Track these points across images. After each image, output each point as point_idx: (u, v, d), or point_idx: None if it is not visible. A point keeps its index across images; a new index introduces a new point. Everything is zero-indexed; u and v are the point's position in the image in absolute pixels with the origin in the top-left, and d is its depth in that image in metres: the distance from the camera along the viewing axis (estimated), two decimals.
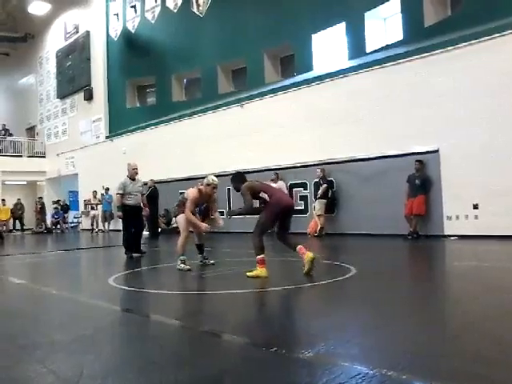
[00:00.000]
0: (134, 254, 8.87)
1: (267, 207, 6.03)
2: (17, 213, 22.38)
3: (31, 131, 26.39)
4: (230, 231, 12.70)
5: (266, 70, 16.19)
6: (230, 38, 16.63)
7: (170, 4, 18.24)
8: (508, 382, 2.41)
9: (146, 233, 13.52)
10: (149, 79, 19.95)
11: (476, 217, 9.83)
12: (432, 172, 10.53)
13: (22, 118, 26.51)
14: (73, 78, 22.51)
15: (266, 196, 6.05)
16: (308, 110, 12.98)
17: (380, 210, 11.02)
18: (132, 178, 9.02)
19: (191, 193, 6.86)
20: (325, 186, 11.95)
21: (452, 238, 9.93)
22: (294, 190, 13.28)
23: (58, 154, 23.46)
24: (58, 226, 21.72)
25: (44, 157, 24.79)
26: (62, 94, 23.45)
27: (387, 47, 12.67)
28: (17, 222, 22.56)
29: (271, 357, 2.84)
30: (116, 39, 20.52)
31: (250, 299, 4.96)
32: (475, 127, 9.78)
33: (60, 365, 2.91)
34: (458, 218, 10.12)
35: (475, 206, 9.83)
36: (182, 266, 6.71)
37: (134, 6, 19.68)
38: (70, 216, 23.13)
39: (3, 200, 21.55)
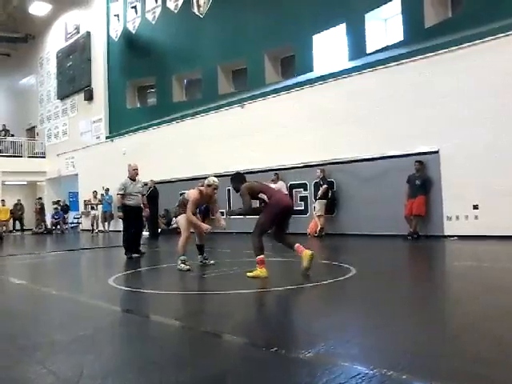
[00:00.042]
0: (134, 255, 8.87)
1: (267, 208, 6.05)
2: (17, 213, 22.37)
3: (31, 132, 26.40)
4: (229, 231, 12.69)
5: (266, 71, 16.18)
6: (230, 38, 16.63)
7: (170, 5, 18.25)
8: (508, 382, 2.41)
9: (145, 233, 13.53)
10: (149, 80, 19.96)
11: (476, 217, 9.83)
12: (432, 172, 10.53)
13: (23, 119, 26.51)
14: (73, 79, 22.51)
15: (265, 197, 6.07)
16: (310, 110, 12.98)
17: (380, 211, 11.02)
18: (132, 178, 9.03)
19: (192, 194, 6.86)
20: (325, 186, 11.95)
21: (452, 238, 9.93)
22: (294, 190, 13.29)
23: (58, 155, 23.47)
24: (58, 227, 21.70)
25: (44, 157, 24.80)
26: (63, 95, 23.46)
27: (388, 48, 12.66)
28: (17, 222, 22.55)
29: (271, 357, 2.84)
30: (116, 40, 20.52)
31: (250, 299, 4.96)
32: (479, 127, 9.76)
33: (60, 365, 2.91)
34: (458, 218, 10.11)
35: (475, 207, 9.83)
36: (182, 265, 6.73)
37: (134, 7, 19.68)
38: (70, 216, 23.13)
39: (3, 200, 21.54)
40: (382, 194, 11.06)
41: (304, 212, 12.98)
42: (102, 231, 19.39)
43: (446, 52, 10.40)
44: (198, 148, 15.95)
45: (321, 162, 12.47)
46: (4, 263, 9.40)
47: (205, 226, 6.90)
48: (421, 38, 11.53)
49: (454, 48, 10.27)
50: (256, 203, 6.38)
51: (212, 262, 7.22)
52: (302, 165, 13.15)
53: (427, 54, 10.71)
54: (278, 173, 13.27)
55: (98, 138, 21.18)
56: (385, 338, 3.21)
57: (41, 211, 23.11)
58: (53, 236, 19.72)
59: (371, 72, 11.78)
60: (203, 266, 7.06)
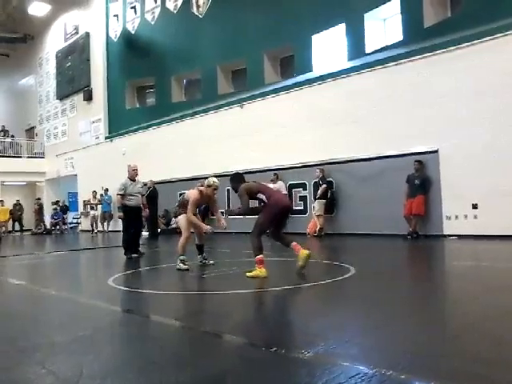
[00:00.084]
0: (133, 255, 8.87)
1: (265, 208, 6.08)
2: (16, 214, 22.36)
3: (30, 132, 26.39)
4: (229, 231, 12.68)
5: (265, 71, 16.18)
6: (229, 38, 16.62)
7: (169, 5, 18.24)
8: (508, 382, 2.40)
9: (145, 233, 13.53)
10: (148, 80, 19.95)
11: (475, 216, 9.83)
12: (431, 172, 10.53)
13: (22, 119, 26.50)
14: (72, 79, 22.50)
15: (263, 197, 6.09)
16: (310, 110, 12.99)
17: (379, 210, 11.03)
18: (132, 179, 9.04)
19: (192, 194, 6.87)
20: (324, 186, 11.95)
21: (451, 237, 9.93)
22: (293, 190, 13.29)
23: (57, 155, 23.46)
24: (58, 227, 21.69)
25: (43, 158, 24.79)
26: (62, 95, 23.45)
27: (387, 48, 12.67)
28: (16, 223, 22.54)
29: (271, 357, 2.84)
30: (116, 40, 20.51)
31: (249, 299, 4.96)
32: (477, 127, 9.77)
33: (60, 365, 2.91)
34: (457, 217, 10.12)
35: (474, 206, 9.83)
36: (181, 265, 6.75)
37: (133, 7, 19.68)
38: (70, 217, 23.12)
39: (1, 201, 21.52)
40: (381, 193, 11.07)
41: (303, 212, 12.99)
42: (101, 231, 19.39)
43: (444, 52, 10.42)
44: (197, 148, 15.96)
45: (320, 162, 12.47)
46: (3, 264, 9.38)
47: (206, 227, 6.91)
48: (420, 37, 11.54)
49: (452, 48, 10.29)
50: (255, 203, 6.41)
51: (211, 261, 7.22)
52: (300, 165, 13.15)
53: (425, 54, 10.73)
54: (277, 173, 13.27)
55: (97, 138, 21.18)
56: (384, 338, 3.20)
57: (39, 212, 23.11)
58: (52, 236, 19.71)
59: (370, 72, 11.80)
60: (203, 266, 7.07)
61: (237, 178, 6.40)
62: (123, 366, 2.88)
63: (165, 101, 19.04)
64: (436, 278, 5.92)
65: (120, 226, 9.60)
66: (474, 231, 9.68)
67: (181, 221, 7.05)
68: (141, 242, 9.69)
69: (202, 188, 7.00)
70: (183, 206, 6.99)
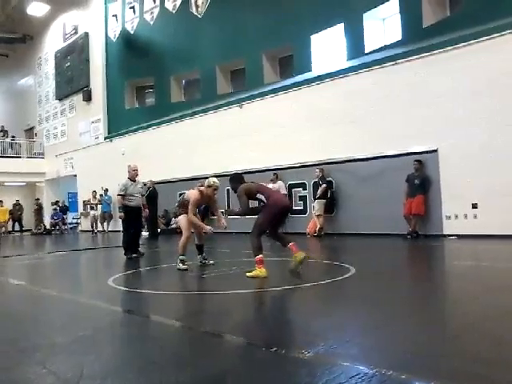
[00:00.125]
0: (133, 255, 8.88)
1: (265, 208, 6.10)
2: (16, 214, 22.37)
3: (30, 132, 26.37)
4: (229, 231, 12.68)
5: (264, 71, 16.18)
6: (228, 38, 16.61)
7: (168, 5, 18.23)
8: (508, 382, 2.41)
9: (145, 233, 13.53)
10: (148, 80, 19.93)
11: (475, 216, 9.84)
12: (431, 172, 10.54)
13: (21, 119, 26.48)
14: (71, 79, 22.48)
15: (262, 197, 6.12)
16: (308, 110, 13.00)
17: (379, 210, 11.04)
18: (132, 179, 9.04)
19: (192, 195, 6.88)
20: (324, 186, 11.95)
21: (451, 237, 9.94)
22: (293, 190, 13.29)
23: (56, 155, 23.44)
24: (57, 227, 21.69)
25: (43, 158, 24.77)
26: (61, 95, 23.43)
27: (386, 47, 12.67)
28: (16, 223, 22.54)
29: (271, 357, 2.85)
30: (115, 40, 20.50)
31: (249, 299, 4.97)
32: (474, 127, 9.79)
33: (60, 366, 2.91)
34: (457, 217, 10.13)
35: (474, 206, 9.84)
36: (181, 265, 6.78)
37: (132, 7, 19.66)
38: (69, 217, 23.11)
39: (1, 201, 21.52)
40: (381, 193, 11.07)
41: (303, 212, 12.99)
42: (101, 231, 19.42)
43: (441, 52, 10.44)
44: (196, 148, 15.96)
45: (318, 162, 12.47)
46: (3, 264, 9.38)
47: (207, 227, 6.93)
48: (419, 37, 11.54)
49: (449, 48, 10.31)
50: (255, 203, 6.43)
51: (211, 262, 7.23)
52: (299, 165, 13.16)
53: (423, 54, 10.75)
54: (276, 173, 13.27)
55: (96, 138, 21.17)
56: (385, 338, 3.21)
57: (39, 212, 23.11)
58: (52, 237, 19.70)
59: (367, 72, 11.82)
60: (203, 266, 7.07)
61: (236, 179, 6.42)
62: (123, 366, 2.89)
63: (164, 101, 19.03)
64: (436, 277, 5.92)
65: (120, 226, 9.61)
66: (473, 231, 9.68)
67: (181, 221, 7.06)
68: (141, 242, 9.70)
69: (202, 188, 7.02)
70: (183, 206, 7.01)
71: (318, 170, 12.14)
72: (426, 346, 2.98)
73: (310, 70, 14.46)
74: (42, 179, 24.61)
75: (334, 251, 9.61)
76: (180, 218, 7.10)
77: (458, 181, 10.02)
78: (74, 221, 23.19)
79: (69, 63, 22.73)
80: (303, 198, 13.12)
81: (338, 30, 14.13)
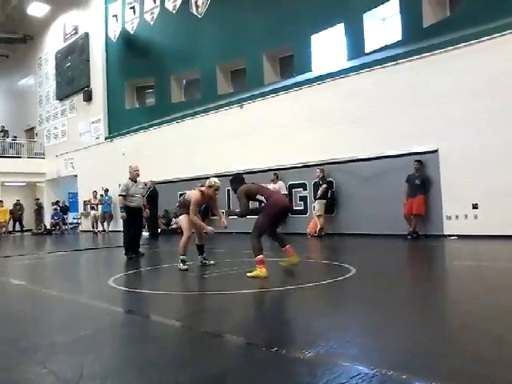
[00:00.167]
0: (134, 255, 8.88)
1: (265, 209, 6.16)
2: (16, 213, 22.40)
3: (30, 132, 26.39)
4: (229, 231, 12.69)
5: (265, 71, 16.18)
6: (228, 38, 16.62)
7: (168, 5, 18.23)
8: (508, 382, 2.41)
9: (145, 233, 13.53)
10: (148, 80, 19.94)
11: (475, 216, 9.83)
12: (431, 172, 10.54)
13: (21, 120, 26.49)
14: (72, 80, 22.50)
15: (262, 198, 6.16)
16: (309, 110, 13.00)
17: (379, 210, 11.03)
18: (134, 179, 9.04)
19: (194, 195, 6.89)
20: (324, 186, 11.95)
21: (451, 237, 9.94)
22: (293, 190, 13.29)
23: (57, 155, 23.46)
24: (58, 227, 21.69)
25: (43, 158, 24.78)
26: (62, 95, 23.44)
27: (386, 48, 12.67)
28: (17, 223, 22.56)
29: (271, 357, 2.85)
30: (115, 40, 20.50)
31: (250, 299, 4.97)
32: (475, 127, 9.79)
33: (60, 365, 2.91)
34: (457, 217, 10.12)
35: (475, 206, 9.83)
36: (181, 265, 6.79)
37: (133, 8, 19.66)
38: (70, 217, 23.12)
39: (1, 201, 21.54)
40: (381, 193, 11.07)
41: (303, 212, 12.99)
42: (101, 231, 19.45)
43: (442, 52, 10.44)
44: (197, 148, 15.97)
45: (319, 162, 12.48)
46: (4, 264, 9.39)
47: (208, 228, 6.95)
48: (419, 37, 11.54)
49: (450, 48, 10.31)
50: (255, 204, 6.47)
51: (212, 262, 7.23)
52: (300, 165, 13.16)
53: (424, 54, 10.75)
54: (277, 173, 13.27)
55: (97, 138, 21.17)
56: (385, 338, 3.21)
57: (38, 212, 23.12)
58: (52, 237, 19.71)
59: (368, 72, 11.82)
60: (203, 266, 7.07)
61: (237, 180, 6.49)
62: (123, 366, 2.89)
63: (164, 101, 19.04)
64: (436, 278, 5.92)
65: (120, 226, 9.61)
66: (474, 231, 9.68)
67: (182, 221, 7.07)
68: (141, 243, 9.70)
69: (203, 188, 7.03)
70: (184, 206, 7.03)
71: (318, 171, 12.14)
72: (427, 346, 2.98)
73: (310, 70, 14.46)
74: (43, 179, 24.63)
75: (335, 251, 9.61)
76: (181, 217, 7.10)
77: (459, 181, 10.02)
78: (75, 221, 23.20)
79: (69, 63, 22.75)
80: (304, 199, 13.12)
81: (339, 30, 14.14)
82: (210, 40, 17.34)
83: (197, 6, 17.51)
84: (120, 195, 9.02)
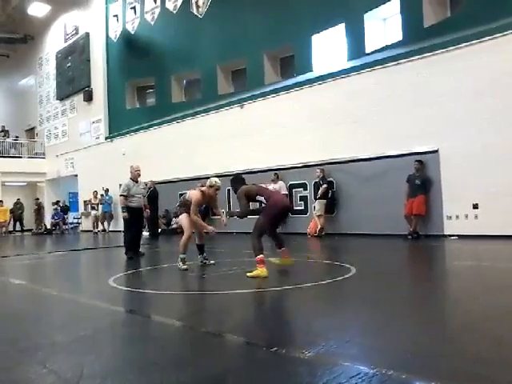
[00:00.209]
0: (134, 255, 8.88)
1: (265, 209, 6.20)
2: (16, 212, 22.42)
3: (31, 132, 26.40)
4: (229, 231, 12.70)
5: (265, 71, 16.18)
6: (229, 38, 16.62)
7: (169, 5, 18.24)
8: (508, 382, 2.41)
9: (146, 233, 13.54)
10: (148, 80, 19.94)
11: (476, 216, 9.83)
12: (432, 172, 10.53)
13: (22, 120, 26.51)
14: (72, 80, 22.51)
15: (262, 199, 6.20)
16: (310, 110, 13.00)
17: (380, 210, 11.03)
18: (135, 180, 9.05)
19: (194, 195, 6.91)
20: (324, 186, 11.95)
21: (452, 237, 9.94)
22: (293, 190, 13.29)
23: (57, 155, 23.47)
24: (58, 227, 21.70)
25: (44, 158, 24.80)
26: (62, 95, 23.45)
27: (387, 48, 12.67)
28: (17, 222, 22.59)
29: (272, 357, 2.85)
30: (116, 40, 20.51)
31: (250, 299, 4.97)
32: (476, 127, 9.78)
33: (61, 365, 2.92)
34: (457, 217, 10.12)
35: (475, 206, 9.83)
36: (181, 264, 6.79)
37: (133, 8, 19.67)
38: (70, 217, 23.14)
39: (1, 201, 21.56)
40: (381, 193, 11.07)
41: (304, 212, 12.99)
42: (101, 231, 19.47)
43: (443, 52, 10.43)
44: (197, 148, 15.97)
45: (320, 162, 12.47)
46: (4, 264, 9.40)
47: (210, 228, 6.98)
48: (420, 37, 11.54)
49: (451, 48, 10.30)
50: (256, 205, 6.52)
51: (212, 261, 7.24)
52: (301, 165, 13.15)
53: (425, 54, 10.74)
54: (277, 173, 13.27)
55: (97, 138, 21.18)
56: (385, 338, 3.21)
57: (38, 212, 23.14)
58: (53, 236, 19.71)
59: (369, 72, 11.81)
60: (203, 266, 7.08)
61: (237, 180, 6.54)
62: (124, 366, 2.89)
63: (165, 101, 19.04)
64: (436, 277, 5.92)
65: (120, 225, 9.60)
66: (474, 231, 9.68)
67: (183, 220, 7.08)
68: (141, 243, 9.70)
69: (203, 188, 7.06)
70: (184, 205, 7.05)
71: (318, 171, 12.13)
72: (427, 345, 2.98)
73: (310, 70, 14.46)
74: (43, 179, 24.64)
75: (335, 251, 9.62)
76: (181, 217, 7.12)
77: (459, 181, 10.01)
78: (75, 221, 23.21)
79: (70, 63, 22.76)
80: (304, 199, 13.12)
81: (339, 30, 14.14)
82: (210, 40, 17.34)
83: (197, 6, 17.51)
84: (121, 195, 9.03)
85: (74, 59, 22.41)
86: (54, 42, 24.07)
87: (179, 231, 7.66)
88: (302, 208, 13.04)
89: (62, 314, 4.55)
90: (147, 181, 14.01)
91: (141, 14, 19.39)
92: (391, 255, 8.38)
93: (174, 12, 18.07)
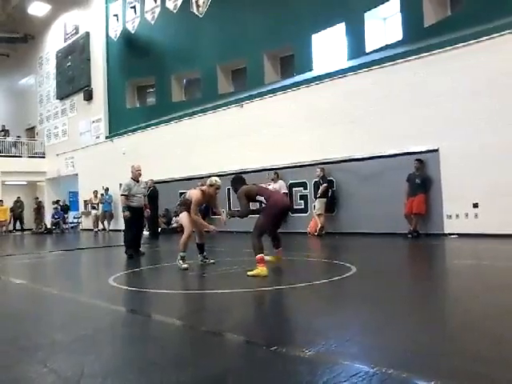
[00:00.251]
0: (134, 254, 8.88)
1: (265, 209, 6.25)
2: (16, 210, 22.43)
3: (31, 132, 26.40)
4: (230, 230, 12.70)
5: (265, 71, 16.18)
6: (229, 38, 16.62)
7: (169, 5, 18.23)
8: (508, 381, 2.41)
9: (146, 233, 13.54)
10: (148, 79, 19.94)
11: (476, 215, 9.83)
12: (432, 171, 10.54)
13: (22, 119, 26.50)
14: (72, 79, 22.50)
15: (262, 199, 6.24)
16: (307, 110, 13.00)
17: (380, 209, 11.03)
18: (136, 179, 9.05)
19: (194, 194, 6.93)
20: (324, 185, 11.95)
21: (452, 236, 9.94)
22: (293, 189, 13.29)
23: (57, 155, 23.47)
24: (58, 226, 21.70)
25: (44, 157, 24.79)
26: (62, 95, 23.44)
27: (387, 47, 12.66)
28: (17, 221, 22.59)
29: (272, 355, 2.85)
30: (116, 40, 20.50)
31: (250, 298, 4.97)
32: (474, 127, 9.79)
33: (61, 364, 2.92)
34: (457, 216, 10.12)
35: (475, 205, 9.83)
36: (181, 262, 6.79)
37: (133, 7, 19.67)
38: (70, 216, 23.14)
39: (1, 201, 21.55)
40: (381, 192, 11.06)
41: (304, 211, 12.99)
42: (101, 230, 19.48)
43: (440, 52, 10.44)
44: (195, 148, 15.99)
45: (317, 162, 12.46)
46: (4, 263, 9.40)
47: (211, 227, 7.01)
48: (420, 36, 11.53)
49: (448, 48, 10.30)
50: (256, 205, 6.55)
51: (212, 260, 7.24)
52: (299, 164, 13.15)
53: (422, 54, 10.75)
54: (277, 172, 13.27)
55: (97, 137, 21.18)
56: (385, 337, 3.21)
57: (38, 211, 23.14)
58: (53, 236, 19.72)
59: (367, 72, 11.82)
60: (203, 265, 7.08)
61: (237, 180, 6.60)
62: (124, 366, 2.89)
63: (165, 100, 19.04)
64: (436, 276, 5.93)
65: (121, 225, 9.61)
66: (474, 230, 9.68)
67: (183, 218, 7.09)
68: (141, 242, 9.70)
69: (203, 188, 7.08)
70: (184, 204, 7.06)
71: (318, 170, 12.13)
72: (427, 344, 2.98)
73: (311, 70, 14.45)
74: (43, 178, 24.64)
75: (335, 250, 9.62)
76: (182, 215, 7.13)
77: (459, 180, 10.01)
78: (75, 220, 23.22)
79: (70, 63, 22.75)
80: (304, 197, 13.12)
81: (339, 29, 14.13)
82: (210, 39, 17.34)
83: (197, 6, 17.50)
84: (122, 195, 9.03)
85: (74, 58, 22.41)
86: (54, 42, 24.06)
87: (179, 230, 7.66)
88: (302, 207, 13.04)
89: (63, 314, 4.55)
90: (147, 180, 14.03)
91: (141, 14, 19.38)
92: (391, 254, 8.38)
93: (174, 11, 18.07)
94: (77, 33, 22.47)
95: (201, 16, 17.42)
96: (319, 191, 12.01)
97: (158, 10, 18.77)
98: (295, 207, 12.78)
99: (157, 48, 18.95)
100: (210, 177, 7.33)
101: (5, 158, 23.09)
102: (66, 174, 23.00)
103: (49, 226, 21.87)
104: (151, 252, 10.33)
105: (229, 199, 14.15)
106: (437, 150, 10.43)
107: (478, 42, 9.83)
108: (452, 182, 10.14)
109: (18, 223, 22.68)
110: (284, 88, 13.99)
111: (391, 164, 11.08)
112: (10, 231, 22.02)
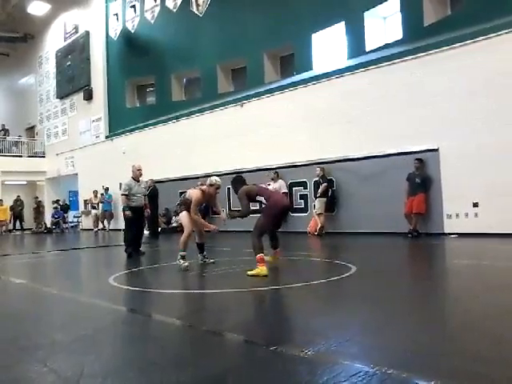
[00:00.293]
0: (134, 254, 8.88)
1: (265, 209, 6.28)
2: (16, 209, 22.44)
3: (31, 131, 26.40)
4: (229, 230, 12.70)
5: (265, 70, 16.17)
6: (229, 37, 16.61)
7: (169, 4, 18.23)
8: (508, 380, 2.41)
9: (146, 232, 13.53)
10: (148, 79, 19.94)
11: (476, 215, 9.84)
12: (431, 171, 10.54)
13: (22, 118, 26.50)
14: (72, 78, 22.50)
15: (262, 199, 6.26)
16: (305, 110, 13.01)
17: (380, 209, 11.03)
18: (136, 179, 9.05)
19: (194, 194, 6.93)
20: (324, 184, 11.95)
21: (452, 236, 9.94)
22: (293, 188, 13.29)
23: (57, 154, 23.47)
24: (58, 226, 21.71)
25: (44, 157, 24.79)
26: (62, 94, 23.44)
27: (386, 46, 12.65)
28: (17, 220, 22.60)
29: (272, 355, 2.85)
30: (115, 39, 20.50)
31: (250, 298, 4.97)
32: (471, 127, 9.81)
33: (61, 364, 2.92)
34: (457, 216, 10.13)
35: (475, 205, 9.83)
36: (181, 261, 6.79)
37: (133, 6, 19.67)
38: (70, 216, 23.15)
39: (1, 200, 21.55)
40: (381, 192, 11.07)
41: (304, 210, 12.99)
42: (100, 229, 19.48)
43: (437, 52, 10.45)
44: (194, 148, 16.00)
45: (315, 162, 12.46)
46: (4, 263, 9.40)
47: (212, 226, 7.04)
48: (420, 36, 11.52)
49: (445, 48, 10.32)
50: (256, 205, 6.58)
51: (212, 260, 7.24)
52: (297, 164, 13.15)
53: (419, 54, 10.77)
54: (277, 171, 13.26)
55: (97, 137, 21.18)
56: (385, 337, 3.21)
57: (38, 210, 23.14)
58: (53, 235, 19.72)
59: (364, 72, 11.84)
60: (203, 265, 7.09)
61: (238, 181, 6.64)
62: (124, 366, 2.89)
63: (165, 99, 19.04)
64: (436, 276, 5.93)
65: (121, 224, 9.61)
66: (474, 229, 9.69)
67: (183, 217, 7.10)
68: (142, 241, 9.70)
69: (203, 187, 7.08)
70: (184, 204, 7.06)
71: (318, 169, 12.13)
72: (427, 344, 2.98)
73: (311, 69, 14.45)
74: (43, 178, 24.64)
75: (335, 250, 9.62)
76: (182, 214, 7.13)
77: (459, 180, 10.02)
78: (75, 219, 23.23)
79: (69, 62, 22.74)
80: (304, 197, 13.12)
81: (339, 28, 14.12)
82: (210, 39, 17.33)
83: (197, 5, 17.50)
84: (123, 195, 9.03)
85: (74, 58, 22.40)
86: (53, 41, 24.06)
87: (179, 230, 7.66)
88: (302, 206, 13.04)
89: (63, 313, 4.55)
90: (147, 180, 14.03)
91: (141, 13, 19.37)
92: (391, 253, 8.39)
93: (174, 10, 18.06)
94: (76, 32, 22.47)
95: (201, 15, 17.41)
96: (319, 191, 12.01)
97: (157, 9, 18.76)
98: (295, 207, 12.78)
99: (157, 47, 18.94)
100: (209, 176, 7.34)
101: (5, 158, 23.10)
102: (66, 173, 23.00)
103: (49, 225, 21.88)
104: (151, 251, 10.32)
105: (229, 199, 14.16)
106: (437, 150, 10.43)
107: (474, 41, 9.85)
108: (452, 182, 10.15)
109: (17, 223, 22.67)
110: (282, 88, 14.00)
111: (391, 163, 11.08)
112: (10, 231, 22.02)
